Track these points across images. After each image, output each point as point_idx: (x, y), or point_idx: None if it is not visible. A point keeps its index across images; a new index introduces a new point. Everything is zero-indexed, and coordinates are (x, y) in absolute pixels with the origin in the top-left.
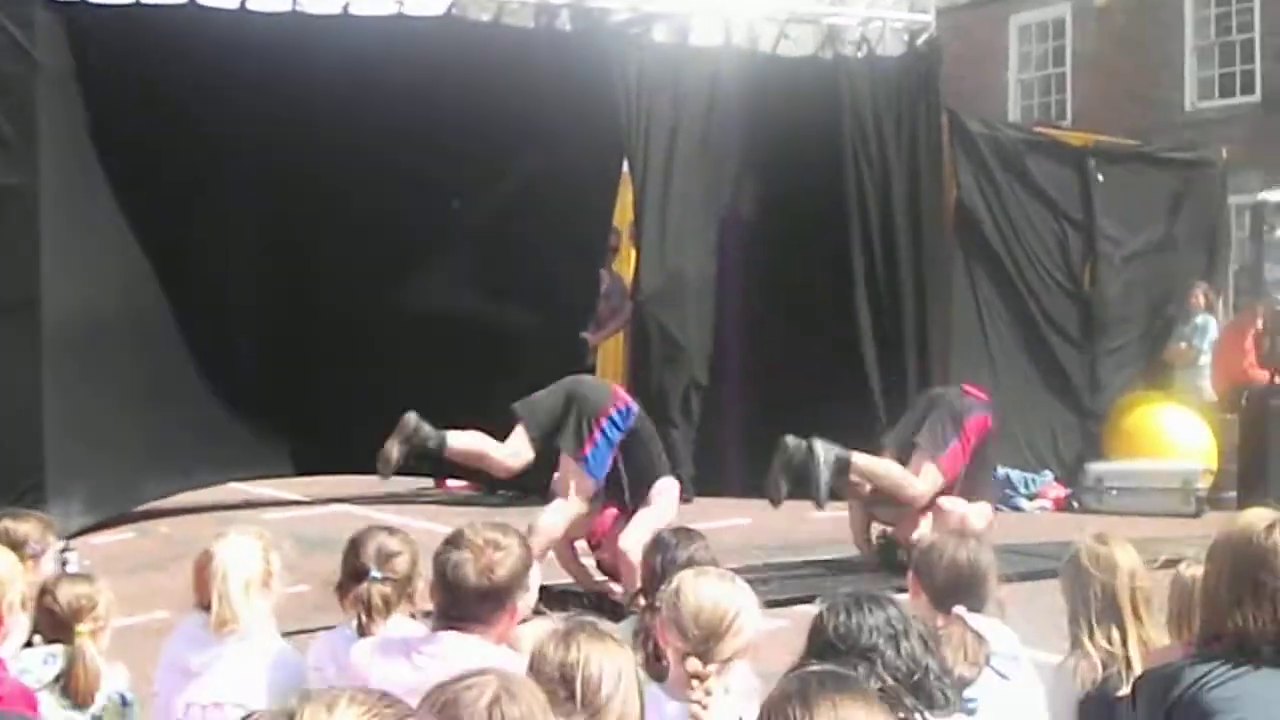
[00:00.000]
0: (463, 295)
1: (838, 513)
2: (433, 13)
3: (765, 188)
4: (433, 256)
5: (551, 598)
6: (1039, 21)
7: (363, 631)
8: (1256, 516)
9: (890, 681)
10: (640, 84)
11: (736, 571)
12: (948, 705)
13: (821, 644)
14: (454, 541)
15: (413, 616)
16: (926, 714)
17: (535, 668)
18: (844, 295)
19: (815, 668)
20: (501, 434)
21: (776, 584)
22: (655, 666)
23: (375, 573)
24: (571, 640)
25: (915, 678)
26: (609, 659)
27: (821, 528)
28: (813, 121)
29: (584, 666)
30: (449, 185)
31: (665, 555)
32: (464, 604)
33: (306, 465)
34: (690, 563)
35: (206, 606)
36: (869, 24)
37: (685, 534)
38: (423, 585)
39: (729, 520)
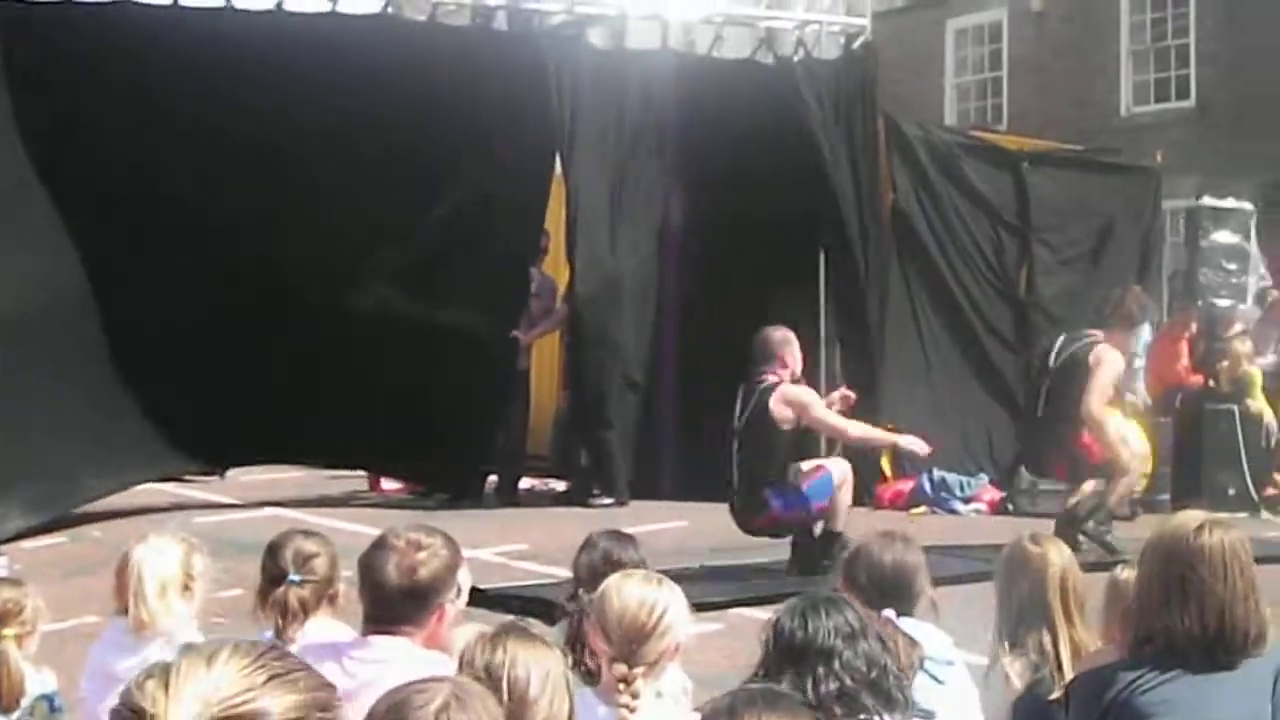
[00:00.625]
0: (395, 293)
1: None
2: (367, 11)
3: (702, 189)
4: (366, 254)
5: (486, 600)
6: (975, 25)
7: (280, 636)
8: (1187, 519)
9: (849, 682)
10: (576, 86)
11: (671, 574)
12: (906, 706)
13: (779, 647)
14: (378, 543)
15: None
16: (885, 714)
17: (463, 669)
18: (781, 296)
19: (753, 685)
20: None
21: (712, 586)
22: (587, 669)
23: (293, 575)
24: (499, 642)
25: (873, 676)
26: (537, 661)
27: None
28: (749, 124)
29: (510, 668)
30: (382, 183)
31: (594, 557)
32: (388, 605)
33: (242, 459)
34: (618, 564)
35: (127, 610)
36: (805, 28)
37: (615, 536)
38: (344, 588)
39: (665, 523)
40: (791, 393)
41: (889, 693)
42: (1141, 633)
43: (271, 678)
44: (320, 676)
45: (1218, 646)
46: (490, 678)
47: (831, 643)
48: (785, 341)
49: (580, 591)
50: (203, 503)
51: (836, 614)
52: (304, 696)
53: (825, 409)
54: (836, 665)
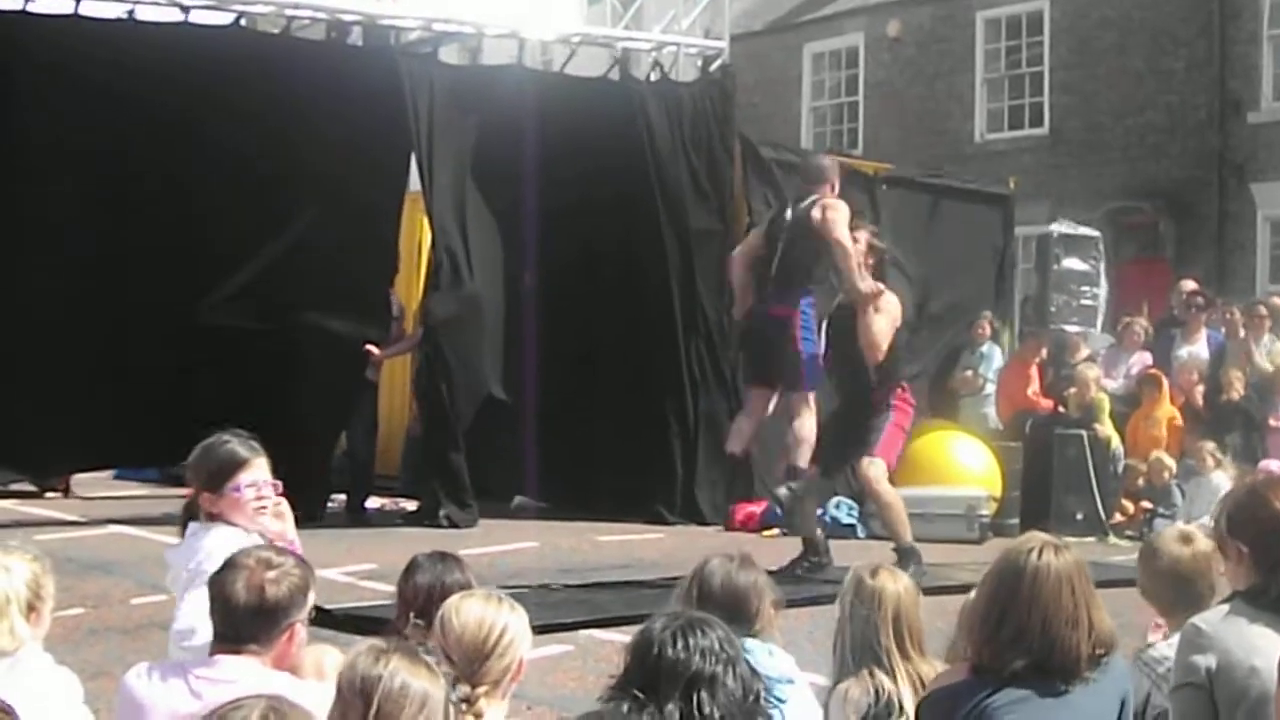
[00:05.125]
0: (246, 301)
1: (624, 535)
2: (220, 22)
3: (557, 206)
4: (219, 262)
5: (332, 620)
6: (832, 50)
7: None
8: (1022, 543)
9: (730, 710)
10: (433, 102)
11: (521, 595)
12: None
13: (650, 665)
14: (229, 562)
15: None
16: None
17: (341, 677)
18: (635, 313)
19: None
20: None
21: (562, 608)
22: None
23: None
24: (384, 656)
25: (749, 703)
26: (416, 682)
27: (609, 551)
28: (604, 143)
29: (387, 682)
30: (234, 193)
31: (419, 579)
32: (237, 624)
33: (90, 461)
34: (445, 586)
35: None
36: (663, 49)
37: (440, 557)
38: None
39: (516, 544)
40: (830, 205)
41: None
42: (978, 654)
43: None
44: None
45: (1050, 668)
46: (362, 689)
47: (712, 668)
48: (833, 168)
49: (410, 615)
50: (45, 520)
51: (712, 634)
52: None
53: (846, 233)
54: (716, 692)
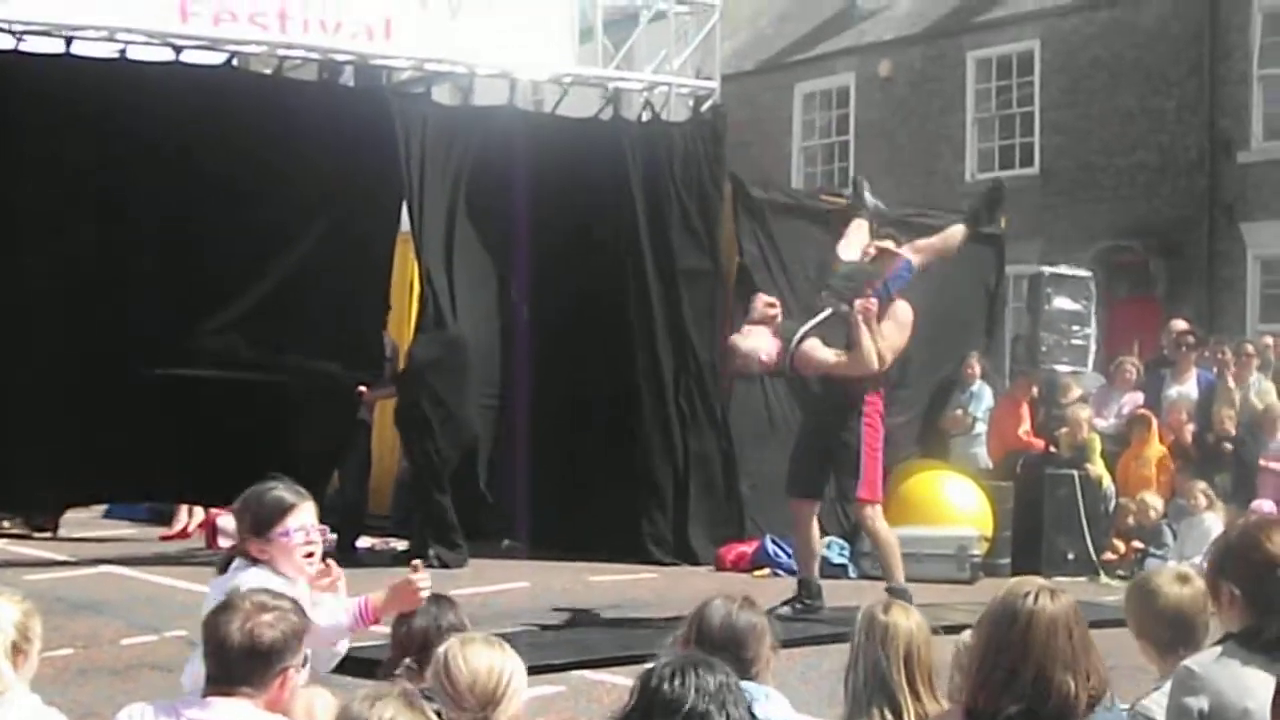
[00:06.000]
0: (238, 340)
1: (618, 576)
2: (212, 62)
3: (548, 245)
4: (211, 300)
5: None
6: (823, 90)
7: None
8: (1018, 586)
9: None
10: (424, 143)
11: (512, 634)
12: None
13: (648, 700)
14: (224, 604)
15: None
16: None
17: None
18: (625, 353)
19: None
20: None
21: (554, 648)
22: None
23: None
24: (379, 703)
25: None
26: None
27: (601, 591)
28: (595, 183)
29: None
30: (226, 232)
31: (416, 623)
32: (230, 666)
33: (81, 497)
34: (440, 630)
35: None
36: (654, 89)
37: (435, 600)
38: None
39: (507, 584)
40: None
41: None
42: (972, 698)
43: None
44: None
45: (1045, 713)
46: None
47: (705, 706)
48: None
49: (404, 657)
50: (35, 560)
51: (710, 676)
52: None
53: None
54: None
